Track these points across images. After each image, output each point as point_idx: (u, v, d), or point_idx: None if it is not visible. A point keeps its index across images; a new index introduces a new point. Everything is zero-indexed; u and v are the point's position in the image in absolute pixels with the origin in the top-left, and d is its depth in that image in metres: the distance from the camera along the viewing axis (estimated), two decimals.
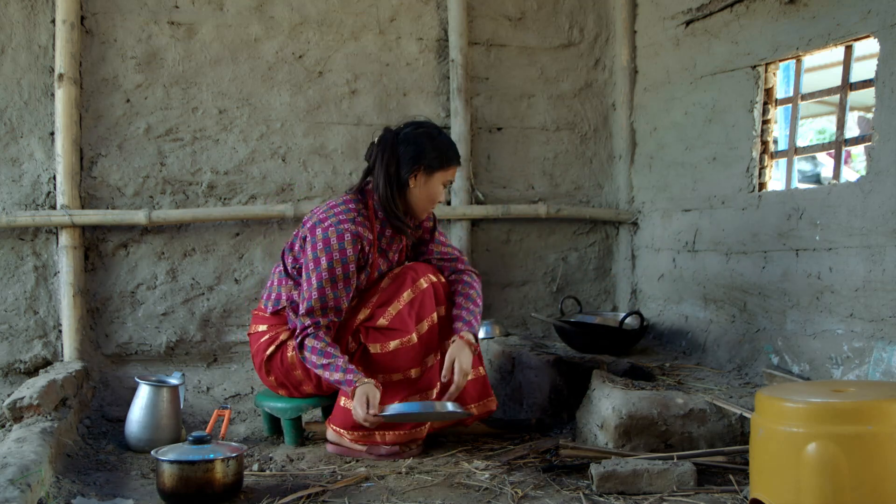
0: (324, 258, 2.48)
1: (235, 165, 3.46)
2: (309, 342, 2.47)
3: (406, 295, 2.55)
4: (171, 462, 2.11)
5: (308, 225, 2.58)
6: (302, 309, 2.51)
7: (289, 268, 2.66)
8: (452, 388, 2.47)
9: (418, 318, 2.56)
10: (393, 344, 2.52)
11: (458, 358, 2.49)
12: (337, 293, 2.50)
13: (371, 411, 2.35)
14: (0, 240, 3.22)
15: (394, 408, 2.37)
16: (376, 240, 2.62)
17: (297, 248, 2.63)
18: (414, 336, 2.53)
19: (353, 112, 3.59)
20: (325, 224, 2.52)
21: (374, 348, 2.53)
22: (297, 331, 2.51)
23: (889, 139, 2.54)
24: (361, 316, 2.58)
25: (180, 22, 3.40)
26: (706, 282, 3.41)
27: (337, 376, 2.42)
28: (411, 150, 2.56)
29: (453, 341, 2.53)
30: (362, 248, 2.53)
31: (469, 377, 2.54)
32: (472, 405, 2.64)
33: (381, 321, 2.53)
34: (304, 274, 2.54)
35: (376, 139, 2.62)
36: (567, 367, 2.96)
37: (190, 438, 2.20)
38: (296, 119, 3.53)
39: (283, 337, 2.66)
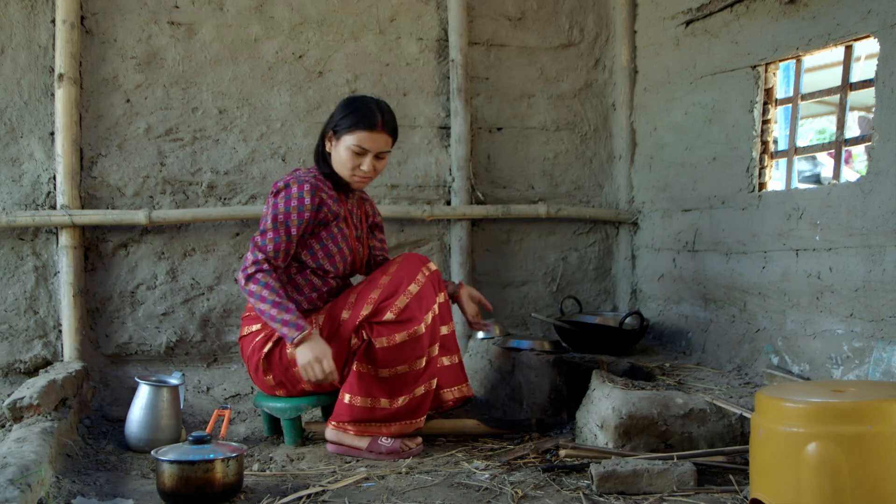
0: (282, 203, 2.57)
1: (235, 165, 3.46)
2: (263, 277, 2.51)
3: (413, 287, 2.58)
4: (172, 462, 2.11)
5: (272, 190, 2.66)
6: (257, 250, 2.55)
7: None
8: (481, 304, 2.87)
9: (425, 309, 2.59)
10: (399, 336, 2.54)
11: (471, 292, 2.86)
12: (290, 238, 2.58)
13: (326, 364, 2.43)
14: (0, 240, 3.22)
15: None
16: (345, 204, 2.73)
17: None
18: (422, 327, 2.56)
19: None
20: (285, 180, 2.63)
21: (381, 342, 2.54)
22: (249, 264, 2.53)
23: (889, 139, 2.54)
24: (365, 312, 2.58)
25: (180, 22, 3.40)
26: (706, 282, 3.41)
27: (288, 317, 2.45)
28: (333, 112, 2.67)
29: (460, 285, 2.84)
30: (322, 199, 2.62)
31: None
32: (447, 389, 2.75)
33: (388, 315, 2.55)
34: (261, 221, 2.61)
35: None
36: (567, 367, 2.96)
37: (190, 438, 2.20)
38: (296, 119, 3.53)
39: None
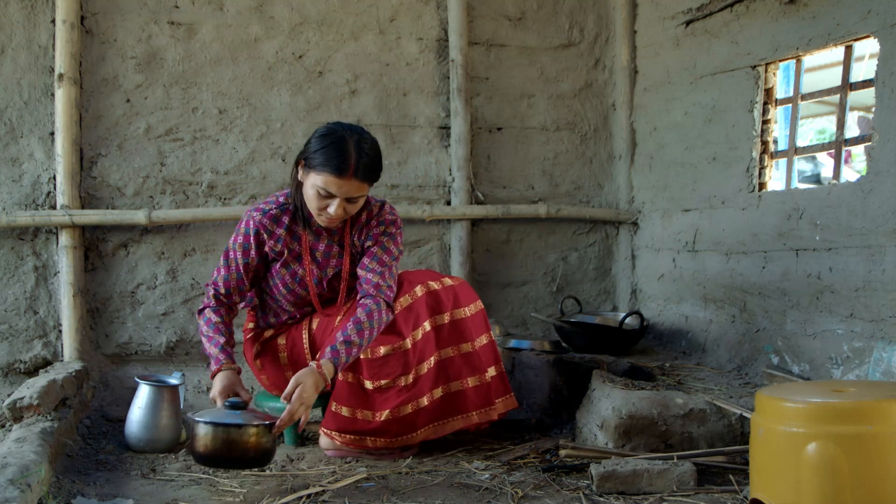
0: (232, 239, 2.56)
1: (235, 165, 3.46)
2: (207, 313, 2.54)
3: (403, 300, 2.51)
4: (217, 425, 2.15)
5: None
6: (211, 285, 2.58)
7: None
8: (285, 414, 2.23)
9: (414, 325, 2.51)
10: (384, 349, 2.46)
11: (303, 384, 2.26)
12: (239, 275, 2.54)
13: (219, 398, 2.33)
14: (0, 240, 3.22)
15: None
16: (304, 240, 2.54)
17: None
18: (408, 342, 2.48)
19: (353, 112, 3.59)
20: (247, 210, 2.58)
21: (364, 353, 2.47)
22: (205, 296, 2.58)
23: (889, 139, 2.54)
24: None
25: (180, 22, 3.40)
26: (706, 282, 3.41)
27: (212, 351, 2.46)
28: (310, 138, 2.42)
29: (309, 366, 2.32)
30: (263, 239, 2.51)
31: (304, 409, 2.27)
32: (474, 412, 2.60)
33: None
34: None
35: None
36: (567, 367, 2.96)
37: (226, 404, 2.25)
38: (296, 119, 3.53)
39: (267, 334, 2.69)
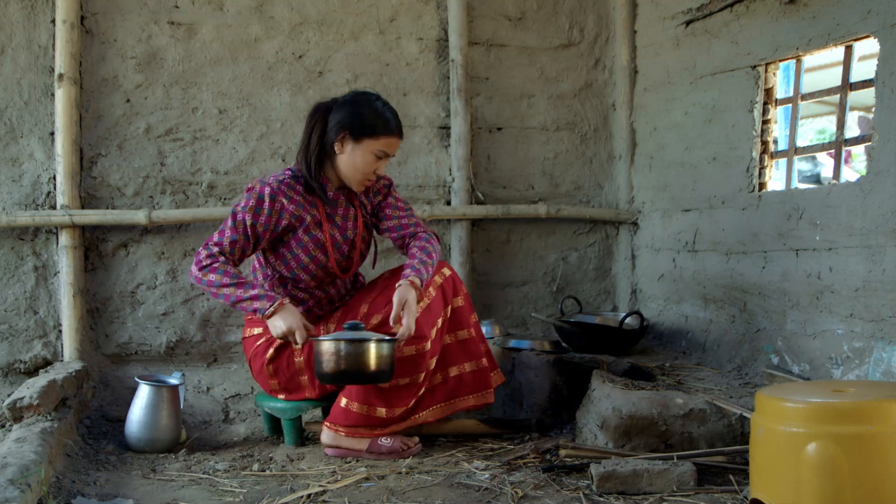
0: (242, 203, 2.53)
1: (235, 165, 3.46)
2: (220, 266, 2.46)
3: (423, 303, 2.55)
4: (350, 341, 2.32)
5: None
6: (212, 244, 2.51)
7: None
8: (403, 329, 2.41)
9: (432, 323, 2.57)
10: (408, 350, 2.52)
11: (408, 299, 2.43)
12: (247, 237, 2.51)
13: (299, 331, 2.41)
14: (0, 240, 3.22)
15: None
16: (319, 207, 2.61)
17: None
18: (428, 344, 2.55)
19: None
20: (252, 183, 2.59)
21: None
22: (203, 257, 2.48)
23: (889, 139, 2.54)
24: (374, 321, 2.58)
25: (180, 22, 3.40)
26: (706, 282, 3.41)
27: (255, 291, 2.44)
28: (339, 115, 2.55)
29: (399, 285, 2.46)
30: (282, 205, 2.53)
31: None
32: (468, 396, 2.68)
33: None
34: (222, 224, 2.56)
35: (312, 109, 2.63)
36: (567, 367, 2.96)
37: (346, 326, 2.40)
38: (296, 119, 3.53)
39: (280, 340, 2.66)
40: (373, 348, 2.34)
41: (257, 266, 2.73)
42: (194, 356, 3.41)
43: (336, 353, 2.33)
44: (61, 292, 3.24)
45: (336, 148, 2.56)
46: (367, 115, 2.53)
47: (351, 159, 2.56)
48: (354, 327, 2.38)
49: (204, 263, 2.48)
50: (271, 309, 2.43)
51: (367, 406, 2.56)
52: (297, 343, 2.44)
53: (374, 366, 2.35)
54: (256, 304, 2.43)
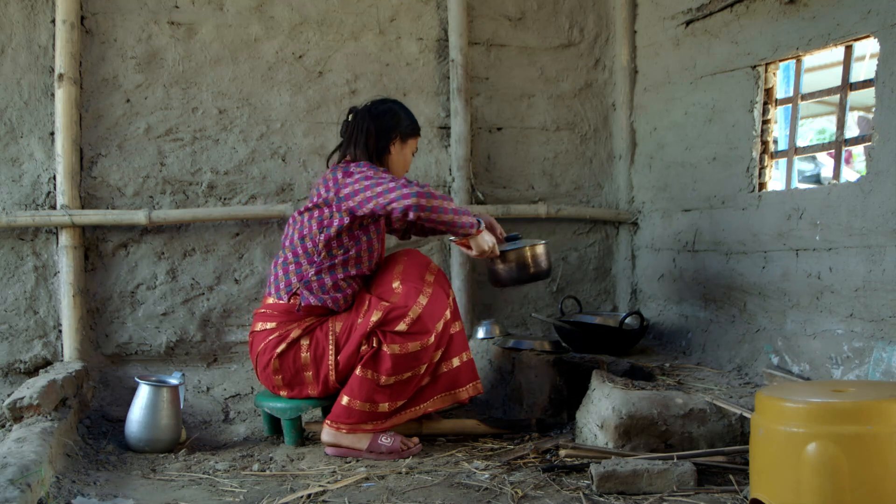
0: (370, 171, 2.66)
1: (235, 165, 3.46)
2: (434, 192, 2.63)
3: (423, 298, 2.62)
4: (528, 246, 2.83)
5: (339, 174, 2.68)
6: (414, 181, 2.68)
7: (304, 229, 2.70)
8: (515, 245, 2.88)
9: (437, 318, 2.63)
10: (412, 346, 2.58)
11: (490, 220, 2.93)
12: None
13: (497, 244, 2.81)
14: (0, 240, 3.22)
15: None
16: None
17: (318, 198, 2.70)
18: (432, 338, 2.61)
19: None
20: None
21: (393, 349, 2.57)
22: (413, 186, 2.61)
23: (889, 139, 2.54)
24: (375, 318, 2.59)
25: (180, 22, 3.40)
26: (706, 282, 3.41)
27: (470, 218, 2.70)
28: (389, 120, 2.82)
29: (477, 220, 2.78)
30: None
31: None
32: (462, 389, 2.75)
33: (401, 326, 2.57)
34: (368, 183, 2.62)
35: (351, 116, 2.82)
36: (567, 367, 2.96)
37: (506, 237, 2.88)
38: (296, 119, 3.53)
39: (293, 335, 2.66)
40: (542, 249, 2.90)
41: (282, 273, 2.72)
42: (194, 356, 3.41)
43: (519, 257, 2.82)
44: (61, 292, 3.24)
45: (391, 149, 2.83)
46: (407, 119, 2.86)
47: (401, 157, 2.86)
48: (512, 238, 2.88)
49: (425, 189, 2.61)
50: (483, 226, 2.75)
51: (369, 403, 2.59)
52: (496, 254, 2.80)
53: (548, 263, 2.93)
54: (472, 220, 2.70)
